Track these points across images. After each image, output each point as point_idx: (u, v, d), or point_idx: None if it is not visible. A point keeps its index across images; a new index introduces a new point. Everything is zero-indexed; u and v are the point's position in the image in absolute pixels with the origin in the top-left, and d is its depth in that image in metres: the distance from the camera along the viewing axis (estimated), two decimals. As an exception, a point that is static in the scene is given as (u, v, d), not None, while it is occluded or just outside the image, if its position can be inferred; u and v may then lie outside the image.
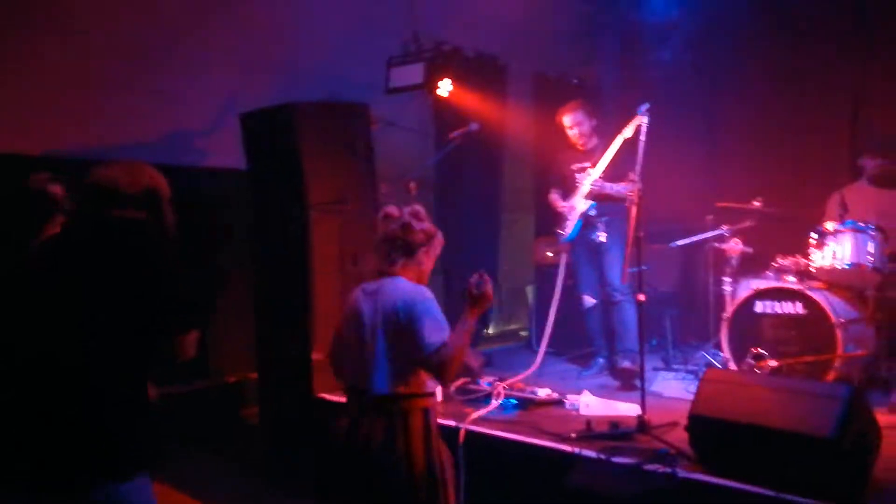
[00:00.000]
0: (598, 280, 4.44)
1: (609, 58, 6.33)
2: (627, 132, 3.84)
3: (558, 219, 4.44)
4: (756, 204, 4.31)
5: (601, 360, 4.58)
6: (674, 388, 4.10)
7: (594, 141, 4.42)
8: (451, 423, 3.32)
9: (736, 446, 2.50)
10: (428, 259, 2.55)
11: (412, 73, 4.67)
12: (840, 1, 4.99)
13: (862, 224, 3.80)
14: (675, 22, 5.57)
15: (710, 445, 2.59)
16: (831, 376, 3.54)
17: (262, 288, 4.44)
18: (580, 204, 4.29)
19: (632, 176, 3.41)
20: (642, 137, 3.35)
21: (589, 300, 4.48)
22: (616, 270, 4.28)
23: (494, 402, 3.60)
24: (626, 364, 4.23)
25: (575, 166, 4.37)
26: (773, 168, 5.10)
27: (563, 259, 4.47)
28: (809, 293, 3.71)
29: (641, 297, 3.26)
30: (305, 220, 4.09)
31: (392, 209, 2.57)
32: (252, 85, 4.72)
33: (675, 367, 4.53)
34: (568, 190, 4.41)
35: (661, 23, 5.68)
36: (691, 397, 3.72)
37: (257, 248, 4.44)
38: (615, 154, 4.03)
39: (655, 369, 4.55)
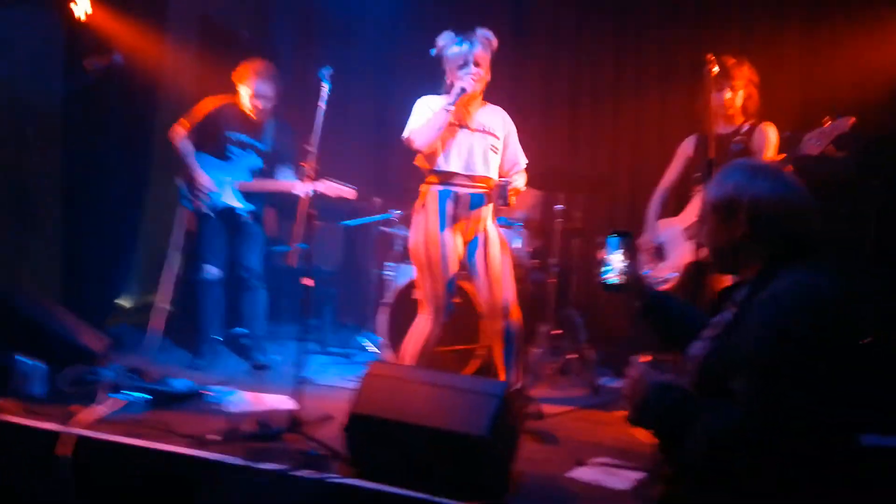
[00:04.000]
0: (229, 255, 3.95)
1: (287, 12, 5.88)
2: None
3: (192, 183, 3.87)
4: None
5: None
6: (328, 375, 3.92)
7: (266, 117, 3.96)
8: (54, 426, 2.61)
9: (393, 446, 2.36)
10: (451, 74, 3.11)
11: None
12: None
13: (509, 220, 4.07)
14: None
15: (368, 445, 2.41)
16: (474, 365, 3.71)
17: None
18: (230, 194, 3.82)
19: (308, 148, 3.05)
20: (322, 105, 3.04)
21: (213, 271, 3.89)
22: (256, 255, 3.93)
23: (117, 398, 2.96)
24: (261, 361, 3.92)
25: (234, 135, 3.86)
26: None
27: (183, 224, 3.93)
28: (462, 283, 3.82)
29: (310, 282, 2.94)
30: None
31: None
32: None
33: (331, 350, 4.37)
34: (209, 150, 3.88)
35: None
36: (346, 385, 3.62)
37: None
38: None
39: (310, 352, 4.33)
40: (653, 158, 4.23)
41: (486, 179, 3.13)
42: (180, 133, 3.89)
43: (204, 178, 3.84)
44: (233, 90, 3.91)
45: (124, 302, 5.17)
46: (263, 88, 3.83)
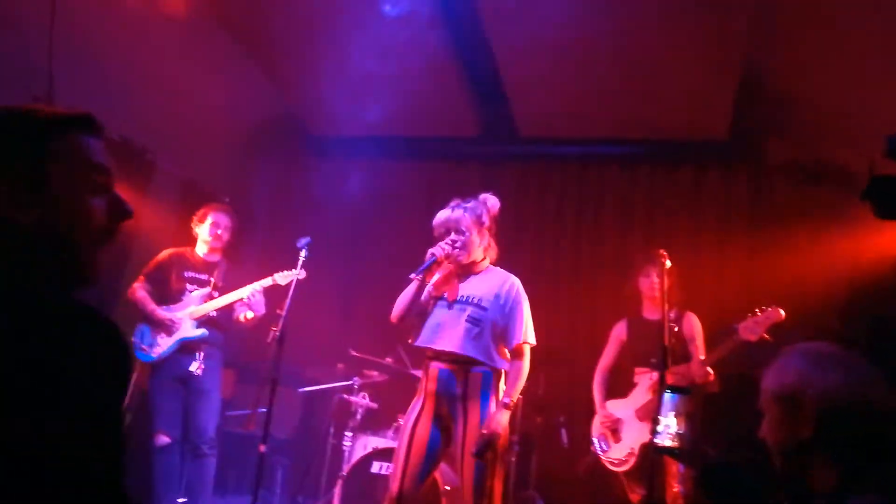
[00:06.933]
0: (181, 417, 3.81)
1: (267, 181, 6.20)
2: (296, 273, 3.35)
3: (152, 328, 3.85)
4: (388, 360, 4.36)
5: None
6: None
7: (218, 255, 4.08)
8: None
9: None
10: None
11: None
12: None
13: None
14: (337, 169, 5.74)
15: None
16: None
17: None
18: (187, 326, 3.80)
19: (279, 312, 3.12)
20: (299, 273, 3.15)
21: (163, 439, 3.76)
22: (211, 418, 3.79)
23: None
24: None
25: (188, 274, 3.95)
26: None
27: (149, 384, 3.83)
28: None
29: (262, 448, 2.87)
30: None
31: None
32: None
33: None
34: (165, 297, 3.92)
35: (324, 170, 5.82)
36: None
37: None
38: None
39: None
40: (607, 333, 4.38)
41: (461, 357, 2.80)
42: (134, 286, 4.00)
43: (161, 314, 3.86)
44: (191, 243, 4.12)
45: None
46: (221, 217, 4.06)
